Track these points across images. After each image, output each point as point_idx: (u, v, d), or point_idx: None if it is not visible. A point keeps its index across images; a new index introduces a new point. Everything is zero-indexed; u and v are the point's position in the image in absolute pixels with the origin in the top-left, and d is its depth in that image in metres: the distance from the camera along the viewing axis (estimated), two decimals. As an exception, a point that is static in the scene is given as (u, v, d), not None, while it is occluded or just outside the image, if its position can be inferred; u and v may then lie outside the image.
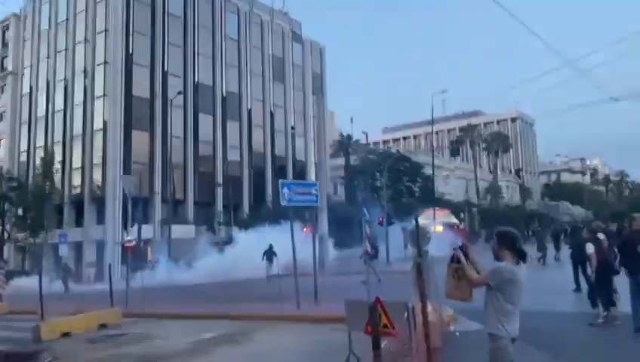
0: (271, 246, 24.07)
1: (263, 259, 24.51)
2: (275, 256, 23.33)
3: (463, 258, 5.06)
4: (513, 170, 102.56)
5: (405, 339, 6.82)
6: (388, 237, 30.11)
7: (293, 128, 57.75)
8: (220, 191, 48.24)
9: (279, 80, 57.33)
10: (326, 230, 29.42)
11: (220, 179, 48.67)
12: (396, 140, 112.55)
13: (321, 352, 8.76)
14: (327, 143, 54.76)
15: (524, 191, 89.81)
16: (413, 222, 9.10)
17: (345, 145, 64.58)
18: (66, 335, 12.40)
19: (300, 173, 55.88)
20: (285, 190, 13.15)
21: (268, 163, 54.18)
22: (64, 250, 39.22)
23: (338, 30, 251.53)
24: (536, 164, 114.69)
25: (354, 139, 66.23)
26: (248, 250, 26.86)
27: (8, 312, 17.73)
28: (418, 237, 8.56)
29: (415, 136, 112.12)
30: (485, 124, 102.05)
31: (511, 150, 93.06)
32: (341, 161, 64.00)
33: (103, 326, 13.22)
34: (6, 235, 42.26)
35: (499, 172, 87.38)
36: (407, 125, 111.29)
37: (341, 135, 67.30)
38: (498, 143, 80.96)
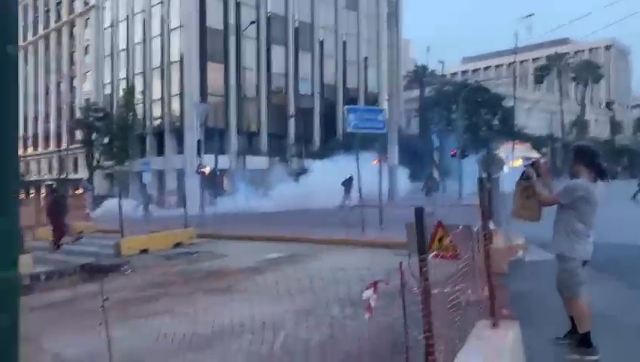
0: (351, 178, 23.27)
1: (343, 188, 24.24)
2: (352, 187, 23.05)
3: (534, 175, 4.65)
4: (604, 103, 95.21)
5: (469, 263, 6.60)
6: (462, 170, 29.23)
7: (365, 59, 56.22)
8: (292, 124, 48.57)
9: (352, 7, 55.44)
10: (396, 161, 28.92)
11: (292, 111, 48.87)
12: (476, 71, 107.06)
13: (381, 273, 8.69)
14: (400, 74, 53.09)
15: (615, 125, 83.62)
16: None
17: (420, 75, 62.34)
18: (144, 251, 13.23)
19: (372, 105, 54.88)
20: (351, 116, 12.86)
21: (339, 95, 53.52)
22: (147, 178, 41.59)
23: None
24: (630, 97, 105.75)
25: (430, 70, 63.66)
26: (323, 179, 26.91)
27: (96, 231, 19.12)
28: (489, 163, 8.12)
29: (497, 67, 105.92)
30: (575, 53, 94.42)
31: (602, 81, 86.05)
32: (415, 92, 62.05)
33: (177, 244, 13.96)
34: (95, 162, 45.27)
35: (587, 104, 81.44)
36: (488, 54, 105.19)
37: (416, 65, 64.91)
38: (588, 73, 75.11)
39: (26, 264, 11.15)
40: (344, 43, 54.62)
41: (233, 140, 44.40)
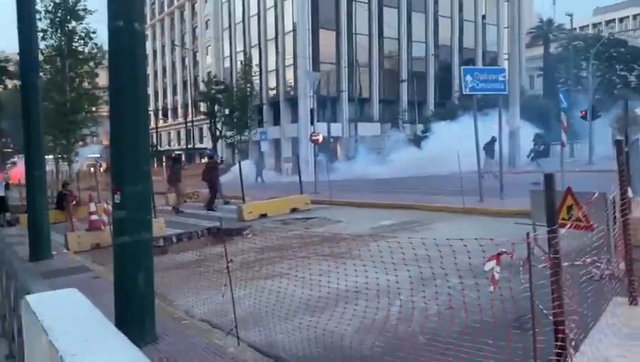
0: (493, 139, 19.99)
1: (484, 152, 21.07)
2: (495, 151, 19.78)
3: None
4: None
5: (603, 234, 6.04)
6: (592, 131, 26.77)
7: (484, 17, 52.93)
8: (404, 88, 47.54)
9: (469, -37, 52.27)
10: (518, 125, 27.16)
11: (404, 75, 47.76)
12: (610, 22, 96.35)
13: (501, 244, 8.28)
14: (522, 31, 49.33)
15: None
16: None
17: (544, 31, 57.45)
18: (263, 216, 13.85)
19: (491, 65, 51.78)
20: (468, 77, 12.19)
21: (455, 56, 51.20)
22: (265, 146, 43.27)
23: None
24: None
25: (555, 24, 58.39)
26: (447, 142, 25.36)
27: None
28: (626, 124, 7.28)
29: (635, 16, 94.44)
30: None
31: None
32: (539, 50, 57.46)
33: (294, 210, 14.43)
34: (218, 133, 47.98)
35: None
36: (623, 3, 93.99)
37: (540, 20, 59.83)
38: None
39: (159, 227, 12.22)
40: (460, 1, 51.84)
41: (345, 107, 44.54)
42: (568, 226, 5.32)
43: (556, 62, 52.76)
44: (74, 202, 15.10)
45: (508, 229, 9.48)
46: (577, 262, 5.95)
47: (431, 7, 49.90)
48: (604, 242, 6.21)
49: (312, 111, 28.84)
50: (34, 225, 9.44)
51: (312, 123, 27.79)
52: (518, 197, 11.37)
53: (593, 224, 5.69)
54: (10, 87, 28.05)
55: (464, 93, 12.68)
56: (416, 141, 36.49)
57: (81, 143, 30.88)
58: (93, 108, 26.02)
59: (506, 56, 52.24)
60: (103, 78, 23.54)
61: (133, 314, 4.72)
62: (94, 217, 11.69)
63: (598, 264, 6.09)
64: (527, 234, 2.87)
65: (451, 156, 21.88)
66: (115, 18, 4.40)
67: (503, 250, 2.85)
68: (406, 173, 25.69)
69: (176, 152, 56.02)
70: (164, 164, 64.07)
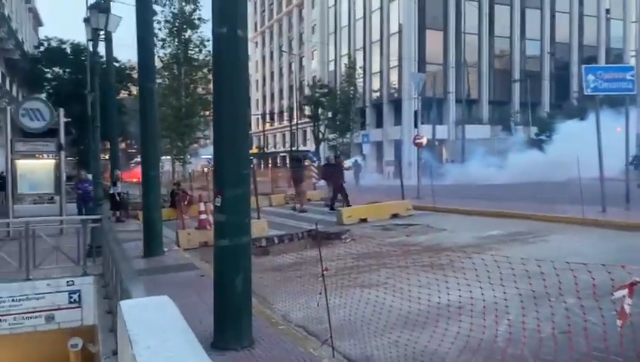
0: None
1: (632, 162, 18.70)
2: None
3: None
4: None
5: None
6: None
7: (608, 11, 48.65)
8: (516, 89, 45.08)
9: (592, -47, 48.32)
10: (646, 128, 24.49)
11: (516, 75, 45.27)
12: None
13: (622, 260, 7.36)
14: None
15: None
16: None
17: (681, 24, 51.55)
18: (362, 221, 13.67)
19: (615, 63, 47.46)
20: (590, 76, 11.11)
21: (574, 54, 47.60)
22: (367, 149, 43.16)
23: None
24: None
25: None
26: (570, 146, 23.25)
27: (321, 199, 20.47)
28: None
29: None
30: None
31: None
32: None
33: (394, 215, 14.09)
34: (321, 135, 48.66)
35: None
36: None
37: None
38: None
39: (261, 228, 12.50)
40: (581, -6, 48.16)
41: (452, 109, 43.13)
42: None
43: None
44: (186, 201, 15.93)
45: (633, 245, 8.50)
46: None
47: (547, 2, 46.84)
48: None
49: (415, 113, 28.16)
50: (148, 223, 10.04)
51: (415, 125, 27.13)
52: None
53: None
54: (134, 92, 30.66)
55: (585, 93, 11.57)
56: (534, 144, 34.12)
57: (195, 145, 32.77)
58: (207, 113, 27.47)
59: (633, 53, 47.68)
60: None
61: (230, 317, 4.76)
62: (203, 216, 12.23)
63: None
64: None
65: (574, 161, 19.62)
66: (219, 25, 4.47)
67: (638, 279, 2.40)
68: (521, 178, 23.96)
69: (303, 151, 57.39)
70: (270, 165, 66.48)
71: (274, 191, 23.10)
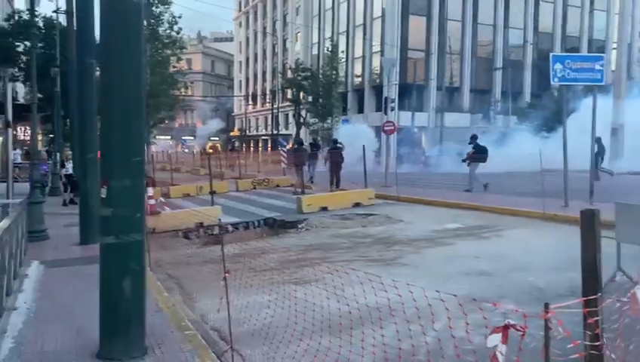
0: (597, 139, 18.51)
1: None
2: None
3: None
4: None
5: None
6: None
7: (592, 1, 48.38)
8: (498, 77, 44.70)
9: (578, -59, 47.84)
10: (623, 122, 24.29)
11: (499, 63, 44.88)
12: None
13: (566, 260, 6.94)
14: (636, 18, 44.38)
15: None
16: None
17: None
18: (323, 209, 13.18)
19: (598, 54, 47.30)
20: (558, 65, 10.64)
21: (556, 44, 47.30)
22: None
23: None
24: None
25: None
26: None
27: (290, 185, 19.91)
28: None
29: None
30: None
31: None
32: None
33: (356, 204, 13.63)
34: (301, 120, 47.94)
35: None
36: None
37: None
38: None
39: (214, 215, 11.94)
40: (565, -16, 47.75)
41: (433, 96, 42.67)
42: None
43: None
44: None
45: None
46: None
47: (532, -10, 46.40)
48: None
49: (386, 99, 27.54)
50: (85, 209, 9.41)
51: (385, 112, 26.53)
52: (612, 203, 9.80)
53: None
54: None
55: (552, 83, 11.11)
56: (509, 134, 33.83)
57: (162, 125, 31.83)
58: (176, 93, 26.63)
59: (616, 45, 47.57)
60: (183, 63, 23.81)
61: (117, 325, 4.21)
62: (151, 201, 11.64)
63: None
64: (546, 306, 1.89)
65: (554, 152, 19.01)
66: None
67: (511, 322, 1.91)
68: (497, 168, 23.17)
69: (264, 137, 56.67)
70: (252, 148, 65.65)
71: (242, 175, 22.58)
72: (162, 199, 13.22)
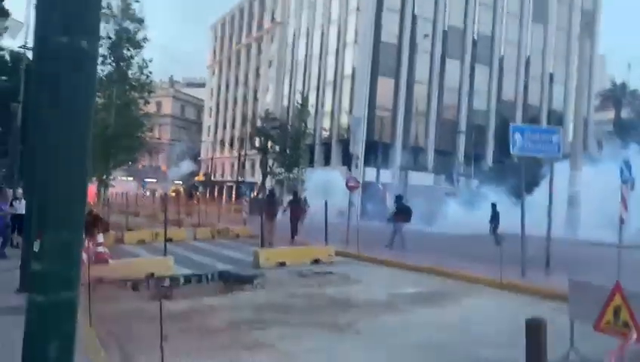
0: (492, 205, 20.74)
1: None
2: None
3: None
4: None
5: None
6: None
7: (551, 75, 51.09)
8: (462, 140, 46.08)
9: (539, 20, 50.91)
10: (578, 191, 25.11)
11: (463, 127, 46.37)
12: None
13: (518, 335, 6.89)
14: (593, 92, 47.09)
15: None
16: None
17: (617, 94, 54.65)
18: (281, 264, 12.87)
19: (556, 125, 49.41)
20: (517, 136, 10.95)
21: (518, 113, 49.41)
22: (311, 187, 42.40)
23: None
24: None
25: (630, 89, 55.49)
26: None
27: (250, 236, 19.50)
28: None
29: None
30: None
31: None
32: (610, 114, 54.55)
33: (316, 261, 13.38)
34: (268, 168, 47.90)
35: None
36: None
37: (613, 84, 57.06)
38: None
39: (166, 266, 11.48)
40: (528, 57, 50.37)
41: (398, 154, 43.48)
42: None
43: (627, 128, 49.64)
44: (97, 229, 14.64)
45: (544, 316, 8.07)
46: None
47: (496, 61, 48.72)
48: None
49: (351, 156, 27.80)
50: (27, 254, 8.86)
51: (349, 168, 26.72)
52: (566, 276, 9.86)
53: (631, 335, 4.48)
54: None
55: (512, 153, 11.38)
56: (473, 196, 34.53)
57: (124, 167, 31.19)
58: (143, 135, 26.28)
59: (573, 117, 49.96)
60: (152, 106, 23.64)
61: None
62: (100, 249, 11.11)
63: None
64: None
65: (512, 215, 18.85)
66: (61, 32, 3.68)
67: None
68: (459, 230, 23.15)
69: (229, 183, 56.15)
70: (216, 194, 64.87)
71: (201, 223, 22.08)
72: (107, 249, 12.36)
